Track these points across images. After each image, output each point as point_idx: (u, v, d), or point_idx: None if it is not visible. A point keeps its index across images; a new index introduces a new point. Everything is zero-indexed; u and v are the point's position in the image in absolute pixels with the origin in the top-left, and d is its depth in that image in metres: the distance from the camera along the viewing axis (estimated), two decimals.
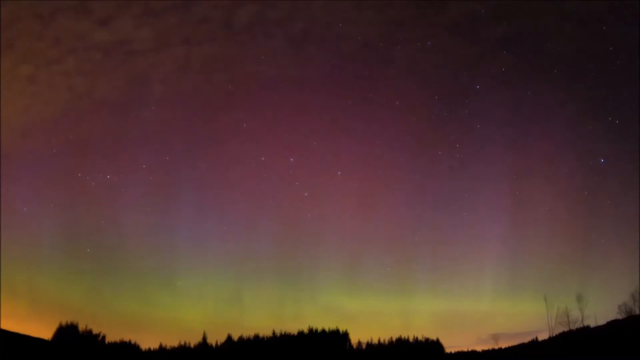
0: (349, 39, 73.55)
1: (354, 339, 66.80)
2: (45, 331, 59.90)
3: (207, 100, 77.42)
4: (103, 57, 73.27)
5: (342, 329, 66.88)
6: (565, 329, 55.93)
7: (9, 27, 67.88)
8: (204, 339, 64.79)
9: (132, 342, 63.38)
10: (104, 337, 61.62)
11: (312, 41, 74.62)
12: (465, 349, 65.22)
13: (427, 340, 67.28)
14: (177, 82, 76.58)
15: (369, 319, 74.88)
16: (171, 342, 65.36)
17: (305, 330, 66.39)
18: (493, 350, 61.50)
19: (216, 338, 65.63)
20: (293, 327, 69.32)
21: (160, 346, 64.78)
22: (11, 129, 70.28)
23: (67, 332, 58.73)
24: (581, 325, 54.69)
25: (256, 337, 65.79)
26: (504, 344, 62.22)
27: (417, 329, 76.99)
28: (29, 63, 73.30)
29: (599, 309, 67.19)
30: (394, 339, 67.48)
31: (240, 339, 65.73)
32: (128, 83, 75.90)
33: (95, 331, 61.29)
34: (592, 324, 54.41)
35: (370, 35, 73.12)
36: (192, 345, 64.43)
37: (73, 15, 71.06)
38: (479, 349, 63.95)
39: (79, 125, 74.83)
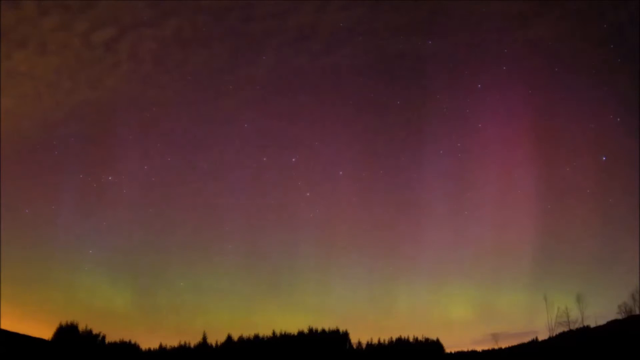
0: (348, 39, 73.61)
1: (354, 339, 66.97)
2: (45, 331, 60.09)
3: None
4: (213, 22, 62.83)
5: (342, 329, 67.12)
6: (565, 329, 55.80)
7: None
8: (204, 339, 64.92)
9: (132, 342, 63.62)
10: (104, 337, 61.75)
11: (314, 41, 74.53)
12: (465, 349, 65.39)
13: (427, 340, 67.37)
14: (292, 55, 66.63)
15: (369, 318, 74.92)
16: (171, 342, 65.63)
17: (305, 330, 66.49)
18: (493, 350, 61.49)
19: (216, 338, 65.88)
20: (293, 327, 69.51)
21: (160, 346, 64.95)
22: (12, 130, 70.19)
23: (67, 332, 58.74)
24: (581, 325, 54.57)
25: (256, 337, 65.87)
26: (504, 344, 62.30)
27: (417, 329, 77.07)
28: (112, 26, 61.58)
29: (599, 309, 67.26)
30: (394, 339, 67.57)
31: (240, 339, 65.80)
32: (232, 55, 66.13)
33: (95, 331, 61.49)
34: (592, 324, 54.43)
35: (371, 34, 73.18)
36: (192, 345, 64.64)
37: None
38: (479, 349, 64.05)
39: (80, 126, 74.68)
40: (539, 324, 66.76)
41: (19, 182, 71.82)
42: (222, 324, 78.05)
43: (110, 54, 64.45)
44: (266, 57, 66.72)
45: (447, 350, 66.05)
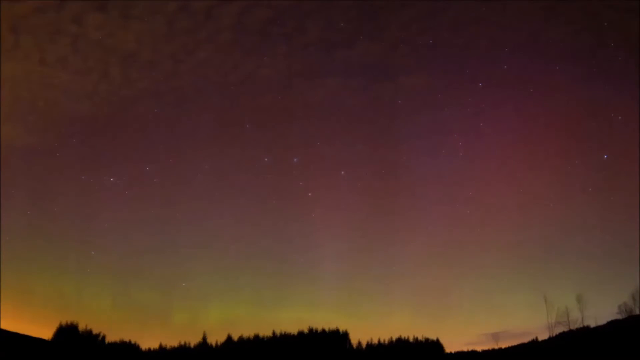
0: (350, 37, 73.65)
1: (354, 339, 66.89)
2: (45, 331, 60.12)
3: None
4: None
5: (342, 329, 67.05)
6: (565, 329, 55.73)
7: None
8: (204, 339, 64.97)
9: (132, 342, 63.67)
10: (104, 337, 61.85)
11: (311, 40, 74.52)
12: (465, 349, 65.23)
13: (427, 340, 67.19)
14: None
15: (369, 318, 74.89)
16: (171, 342, 65.65)
17: (305, 330, 66.44)
18: (493, 350, 61.36)
19: (216, 338, 65.93)
20: (293, 327, 69.45)
21: (160, 346, 64.97)
22: (13, 131, 70.19)
23: (67, 332, 58.82)
24: (581, 325, 54.49)
25: (256, 337, 65.86)
26: (504, 344, 62.16)
27: (417, 329, 77.09)
28: None
29: (599, 309, 67.18)
30: (394, 339, 67.44)
31: (240, 339, 65.78)
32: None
33: (95, 331, 61.58)
34: (592, 324, 54.32)
35: (374, 33, 73.20)
36: (192, 345, 64.66)
37: None
38: (479, 349, 63.88)
39: (82, 127, 74.70)
40: (539, 324, 66.87)
41: (20, 184, 71.96)
42: (222, 324, 78.09)
43: (211, 21, 55.12)
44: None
45: (447, 350, 66.08)
